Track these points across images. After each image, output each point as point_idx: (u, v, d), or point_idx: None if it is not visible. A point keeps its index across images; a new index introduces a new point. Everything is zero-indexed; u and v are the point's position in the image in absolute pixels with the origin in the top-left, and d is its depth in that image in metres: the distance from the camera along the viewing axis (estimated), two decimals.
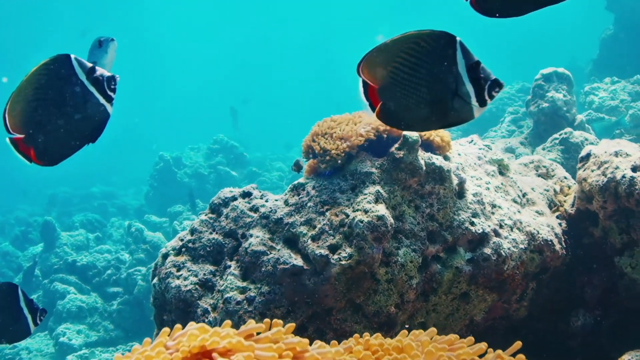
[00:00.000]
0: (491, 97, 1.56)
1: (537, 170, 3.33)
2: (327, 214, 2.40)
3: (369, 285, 2.33)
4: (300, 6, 37.87)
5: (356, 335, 1.45)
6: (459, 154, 2.86)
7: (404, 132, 2.48)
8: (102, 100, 1.71)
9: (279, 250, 2.39)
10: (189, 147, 13.94)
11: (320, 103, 21.83)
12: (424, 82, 1.57)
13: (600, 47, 10.08)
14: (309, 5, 37.91)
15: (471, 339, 1.47)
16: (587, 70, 10.19)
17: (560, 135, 5.08)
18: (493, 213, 2.67)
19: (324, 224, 2.37)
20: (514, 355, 1.46)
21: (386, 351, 1.33)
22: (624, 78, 7.76)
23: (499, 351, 1.42)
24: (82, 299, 7.42)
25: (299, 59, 37.31)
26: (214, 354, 1.12)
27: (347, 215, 2.36)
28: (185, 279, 2.46)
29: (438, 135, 2.63)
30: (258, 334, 1.29)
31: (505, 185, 2.89)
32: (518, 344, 1.47)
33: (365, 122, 2.56)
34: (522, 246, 2.62)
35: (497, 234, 2.58)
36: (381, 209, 2.35)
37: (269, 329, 1.30)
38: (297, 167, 2.72)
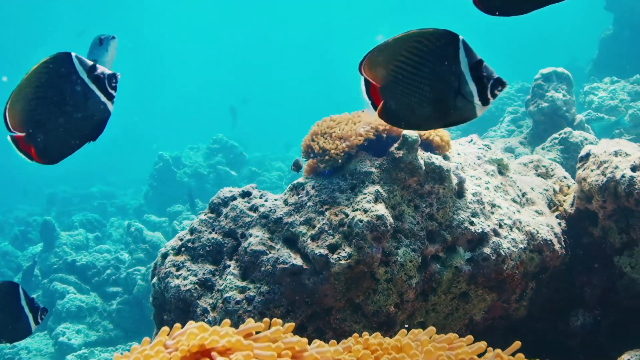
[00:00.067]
0: (494, 95, 1.56)
1: (536, 170, 3.33)
2: (327, 213, 2.40)
3: (368, 284, 2.33)
4: (299, 6, 37.87)
5: (355, 334, 1.44)
6: (459, 154, 2.86)
7: (404, 132, 2.48)
8: (103, 98, 1.70)
9: (278, 249, 2.39)
10: (189, 147, 13.93)
11: (319, 102, 21.83)
12: (427, 81, 1.56)
13: (600, 47, 10.08)
14: (309, 5, 37.91)
15: (470, 337, 1.47)
16: (587, 70, 10.20)
17: (559, 135, 5.08)
18: (492, 213, 2.67)
19: (323, 224, 2.37)
20: (513, 354, 1.46)
21: (385, 350, 1.33)
22: (624, 78, 7.76)
23: (498, 350, 1.42)
24: (81, 298, 7.41)
25: (299, 58, 37.32)
26: (213, 353, 1.12)
27: (347, 215, 2.36)
28: (185, 278, 2.46)
29: (437, 134, 2.63)
30: (257, 333, 1.29)
31: (505, 185, 2.89)
32: (517, 344, 1.47)
33: (364, 121, 2.56)
34: (521, 246, 2.62)
35: (496, 234, 2.58)
36: (381, 209, 2.35)
37: (269, 328, 1.30)
38: (297, 166, 2.72)
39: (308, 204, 2.46)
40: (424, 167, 2.49)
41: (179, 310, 2.45)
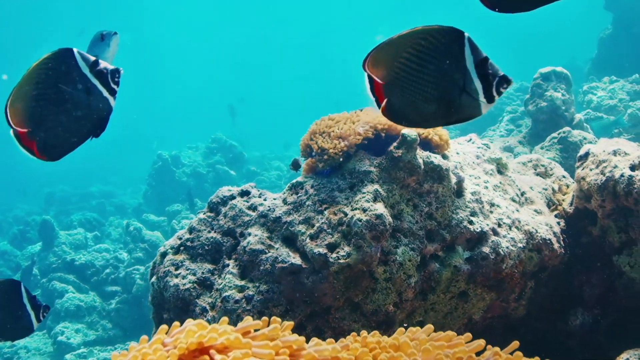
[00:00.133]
0: (499, 93, 1.55)
1: (535, 169, 3.33)
2: (326, 212, 2.40)
3: (367, 284, 2.33)
4: (299, 6, 37.86)
5: (353, 333, 1.44)
6: (458, 153, 2.86)
7: (403, 131, 2.47)
8: (105, 94, 1.69)
9: (277, 249, 2.39)
10: (188, 146, 13.93)
11: (319, 102, 21.82)
12: (432, 78, 1.56)
13: (599, 47, 10.08)
14: (308, 5, 37.90)
15: (469, 335, 1.47)
16: (586, 70, 10.19)
17: (558, 134, 5.08)
18: (491, 212, 2.67)
19: (322, 223, 2.37)
20: (511, 354, 1.46)
21: (383, 349, 1.33)
22: (623, 77, 7.76)
23: (496, 348, 1.42)
24: (80, 298, 7.41)
25: (298, 58, 37.32)
26: (212, 351, 1.12)
27: (346, 214, 2.36)
28: (184, 277, 2.46)
29: (436, 134, 2.62)
30: (256, 330, 1.29)
31: (504, 184, 2.89)
32: (515, 344, 1.47)
33: (363, 120, 2.56)
34: (520, 245, 2.62)
35: (495, 233, 2.58)
36: (380, 208, 2.35)
37: (268, 327, 1.30)
38: (295, 166, 2.72)
39: (307, 203, 2.46)
40: (422, 166, 2.49)
41: (178, 309, 2.45)
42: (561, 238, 2.81)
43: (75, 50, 1.67)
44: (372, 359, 1.28)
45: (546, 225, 2.78)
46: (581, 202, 2.85)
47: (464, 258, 2.50)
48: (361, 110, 2.65)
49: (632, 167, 2.60)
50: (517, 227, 2.67)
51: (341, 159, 2.50)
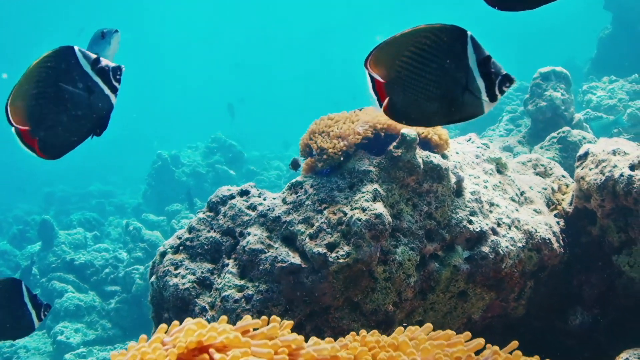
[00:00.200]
0: (502, 92, 1.54)
1: (535, 169, 3.33)
2: (325, 212, 2.40)
3: (366, 283, 2.33)
4: (299, 6, 37.86)
5: (352, 332, 1.44)
6: (457, 153, 2.86)
7: (402, 130, 2.47)
8: (107, 91, 1.69)
9: (276, 248, 2.39)
10: (187, 146, 13.93)
11: (318, 101, 21.82)
12: (434, 77, 1.55)
13: (598, 46, 10.08)
14: (308, 5, 37.89)
15: (468, 334, 1.47)
16: (585, 69, 10.19)
17: (558, 134, 5.08)
18: (491, 211, 2.67)
19: (321, 222, 2.37)
20: (510, 353, 1.46)
21: (382, 348, 1.33)
22: (622, 77, 7.76)
23: (496, 347, 1.41)
24: (80, 297, 7.41)
25: (298, 58, 37.32)
26: (211, 350, 1.12)
27: (345, 214, 2.36)
28: (183, 277, 2.46)
29: (436, 133, 2.62)
30: (255, 330, 1.29)
31: (503, 184, 2.89)
32: (514, 344, 1.47)
33: (362, 120, 2.56)
34: (520, 244, 2.62)
35: (495, 233, 2.58)
36: (379, 207, 2.35)
37: (267, 326, 1.30)
38: (295, 165, 2.72)
39: (306, 202, 2.46)
40: (422, 166, 2.49)
41: (178, 309, 2.44)
42: (560, 238, 2.81)
43: (76, 48, 1.67)
44: (371, 358, 1.28)
45: (546, 224, 2.78)
46: (581, 202, 2.85)
47: (464, 257, 2.50)
48: (360, 110, 2.65)
49: (632, 167, 2.60)
50: (516, 227, 2.67)
51: (340, 159, 2.50)
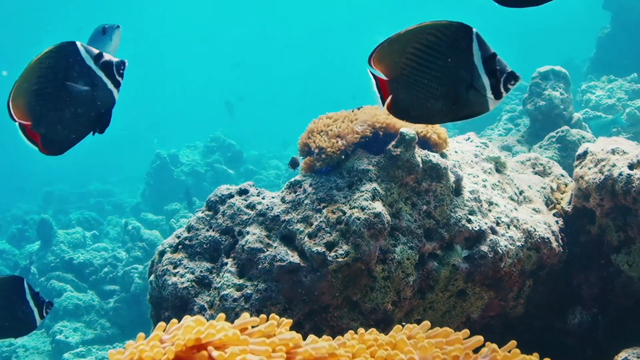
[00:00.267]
0: (507, 89, 1.53)
1: (534, 168, 3.33)
2: (324, 211, 2.39)
3: (365, 282, 2.33)
4: (298, 5, 37.85)
5: (351, 331, 1.44)
6: (456, 152, 2.86)
7: (401, 129, 2.47)
8: (110, 86, 1.68)
9: (275, 247, 2.39)
10: (186, 145, 13.92)
11: (317, 100, 21.83)
12: (439, 74, 1.54)
13: (597, 46, 10.07)
14: (308, 5, 37.89)
15: (466, 331, 1.47)
16: (584, 69, 10.19)
17: (557, 133, 5.08)
18: (490, 210, 2.67)
19: (320, 221, 2.37)
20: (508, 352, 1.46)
21: (380, 346, 1.33)
22: (621, 76, 7.77)
23: (494, 345, 1.41)
24: (78, 296, 7.40)
25: (297, 57, 37.32)
26: (209, 347, 1.12)
27: (344, 213, 2.36)
28: (182, 276, 2.46)
29: (435, 132, 2.62)
30: (254, 328, 1.29)
31: (502, 183, 2.89)
32: (513, 343, 1.47)
33: (361, 119, 2.56)
34: (519, 244, 2.62)
35: (494, 232, 2.58)
36: (378, 206, 2.35)
37: (265, 324, 1.30)
38: (294, 164, 2.72)
39: (305, 201, 2.46)
40: (421, 165, 2.49)
41: (177, 308, 2.44)
42: (559, 237, 2.81)
43: (78, 43, 1.66)
44: (369, 356, 1.28)
45: (545, 224, 2.78)
46: (580, 201, 2.85)
47: (463, 257, 2.50)
48: (359, 109, 2.65)
49: (631, 166, 2.60)
50: (515, 226, 2.67)
51: (341, 157, 2.50)
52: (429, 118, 1.67)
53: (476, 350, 1.43)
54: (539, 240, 2.69)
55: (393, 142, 2.49)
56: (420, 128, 2.58)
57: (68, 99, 1.65)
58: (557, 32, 27.36)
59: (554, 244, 2.73)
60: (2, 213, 14.37)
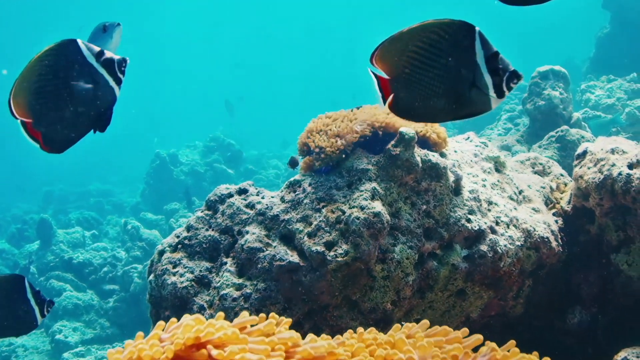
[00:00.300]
0: (509, 88, 1.53)
1: (533, 168, 3.33)
2: (323, 210, 2.39)
3: (365, 281, 2.33)
4: (298, 5, 37.85)
5: (350, 330, 1.44)
6: (455, 151, 2.86)
7: (401, 129, 2.47)
8: (112, 83, 1.67)
9: (275, 247, 2.39)
10: (186, 145, 13.91)
11: (317, 100, 21.82)
12: (441, 72, 1.53)
13: (597, 46, 10.07)
14: (307, 4, 37.89)
15: (465, 330, 1.47)
16: (584, 69, 10.19)
17: (556, 133, 5.09)
18: (489, 210, 2.67)
19: (320, 221, 2.37)
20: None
21: (380, 345, 1.33)
22: (621, 76, 7.77)
23: (493, 344, 1.41)
24: (78, 296, 7.40)
25: (297, 57, 37.33)
26: (209, 346, 1.12)
27: (344, 212, 2.36)
28: (182, 275, 2.45)
29: (434, 131, 2.62)
30: (253, 326, 1.29)
31: (502, 183, 2.89)
32: (512, 343, 1.47)
33: (360, 118, 2.56)
34: (518, 243, 2.62)
35: (493, 231, 2.58)
36: (377, 206, 2.35)
37: (264, 322, 1.30)
38: (293, 164, 2.72)
39: (305, 201, 2.46)
40: (420, 165, 2.49)
41: (176, 308, 2.44)
42: (559, 236, 2.81)
43: (79, 40, 1.66)
44: (368, 355, 1.28)
45: (544, 223, 2.78)
46: (579, 201, 2.85)
47: (462, 256, 2.50)
48: (358, 109, 2.65)
49: (630, 166, 2.60)
50: (515, 226, 2.67)
51: (338, 157, 2.50)
52: (430, 117, 1.66)
53: (475, 350, 1.43)
54: (539, 240, 2.69)
55: (392, 142, 2.49)
56: (420, 127, 2.58)
57: (69, 97, 1.64)
58: (556, 31, 27.36)
59: (554, 244, 2.73)
60: (1, 213, 14.37)
